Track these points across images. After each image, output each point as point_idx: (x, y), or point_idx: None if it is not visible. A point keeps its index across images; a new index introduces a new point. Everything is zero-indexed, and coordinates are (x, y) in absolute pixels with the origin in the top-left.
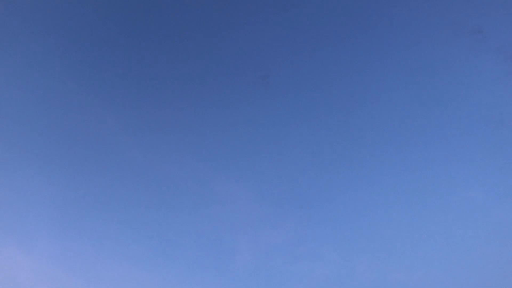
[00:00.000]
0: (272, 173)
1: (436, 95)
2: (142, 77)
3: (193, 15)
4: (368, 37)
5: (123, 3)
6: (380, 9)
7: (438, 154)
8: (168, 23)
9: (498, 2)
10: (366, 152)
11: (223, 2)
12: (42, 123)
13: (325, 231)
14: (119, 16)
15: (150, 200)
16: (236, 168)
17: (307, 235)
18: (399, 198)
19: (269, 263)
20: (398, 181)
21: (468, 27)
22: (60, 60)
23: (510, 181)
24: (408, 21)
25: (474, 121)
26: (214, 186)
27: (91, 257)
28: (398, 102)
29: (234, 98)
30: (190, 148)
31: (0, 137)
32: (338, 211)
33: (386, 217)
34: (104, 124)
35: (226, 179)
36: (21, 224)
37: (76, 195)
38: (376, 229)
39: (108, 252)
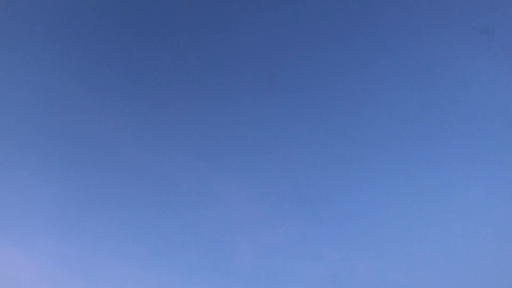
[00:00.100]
0: (272, 173)
1: (443, 95)
2: (142, 77)
3: (198, 15)
4: (375, 36)
5: (123, 3)
6: (388, 8)
7: (441, 154)
8: (172, 23)
9: (506, 1)
10: (367, 152)
11: (230, 1)
12: (42, 123)
13: (325, 231)
14: (119, 16)
15: (150, 200)
16: (236, 168)
17: (307, 235)
18: (400, 198)
19: (269, 263)
20: (398, 181)
21: (476, 26)
22: (60, 60)
23: (511, 182)
24: (416, 20)
25: (482, 121)
26: (214, 186)
27: (91, 257)
28: (403, 102)
29: (236, 98)
30: (190, 148)
31: (0, 137)
32: (338, 211)
33: (387, 217)
34: (104, 124)
35: (226, 179)
36: (21, 224)
37: (76, 195)
38: (376, 229)
39: (108, 252)
